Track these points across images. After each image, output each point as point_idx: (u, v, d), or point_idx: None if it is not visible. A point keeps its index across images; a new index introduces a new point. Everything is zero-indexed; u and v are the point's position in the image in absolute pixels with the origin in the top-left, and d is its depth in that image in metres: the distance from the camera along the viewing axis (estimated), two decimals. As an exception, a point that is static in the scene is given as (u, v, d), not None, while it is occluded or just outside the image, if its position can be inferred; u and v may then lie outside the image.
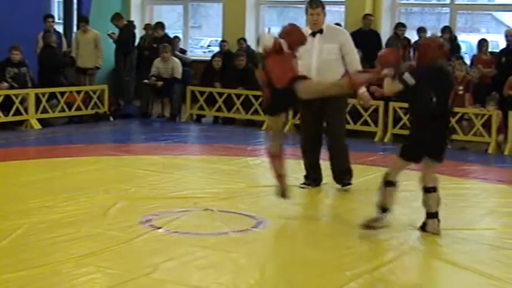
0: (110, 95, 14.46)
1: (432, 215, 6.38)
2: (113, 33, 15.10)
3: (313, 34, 7.88)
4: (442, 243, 6.24)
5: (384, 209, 6.37)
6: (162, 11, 19.39)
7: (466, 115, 11.81)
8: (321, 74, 7.61)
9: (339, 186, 8.13)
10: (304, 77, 6.59)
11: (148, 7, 18.36)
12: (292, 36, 6.69)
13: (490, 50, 13.41)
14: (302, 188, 8.13)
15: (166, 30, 15.82)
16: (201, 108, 14.37)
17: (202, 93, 14.27)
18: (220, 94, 14.08)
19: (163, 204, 7.30)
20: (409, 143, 6.41)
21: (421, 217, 6.48)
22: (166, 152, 10.48)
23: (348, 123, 12.28)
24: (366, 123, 12.58)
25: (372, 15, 14.88)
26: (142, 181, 8.40)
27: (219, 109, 14.16)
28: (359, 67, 7.89)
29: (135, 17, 17.20)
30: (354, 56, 7.97)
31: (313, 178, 8.23)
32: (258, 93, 13.69)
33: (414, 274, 5.74)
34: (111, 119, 14.17)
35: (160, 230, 6.38)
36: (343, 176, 8.14)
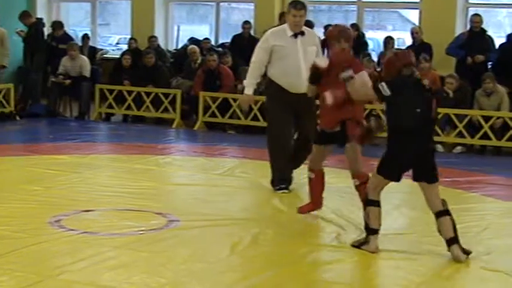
0: (16, 94, 14.14)
1: (450, 241, 5.81)
2: (22, 30, 14.79)
3: (295, 35, 7.78)
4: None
5: (369, 230, 5.98)
6: (69, 8, 19.07)
7: (374, 111, 11.99)
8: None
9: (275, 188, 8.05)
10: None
11: (55, 5, 18.05)
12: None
13: (396, 47, 13.67)
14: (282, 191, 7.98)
15: (74, 28, 15.60)
16: (110, 106, 14.20)
17: (111, 91, 14.10)
18: (130, 92, 13.94)
19: (73, 204, 7.18)
20: (387, 158, 5.89)
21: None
22: (75, 152, 10.31)
23: (258, 120, 12.38)
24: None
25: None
26: (50, 181, 8.24)
27: (129, 107, 14.02)
28: None
29: (41, 14, 16.86)
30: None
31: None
32: (168, 91, 13.67)
33: None
34: (18, 118, 13.86)
35: (69, 231, 6.27)
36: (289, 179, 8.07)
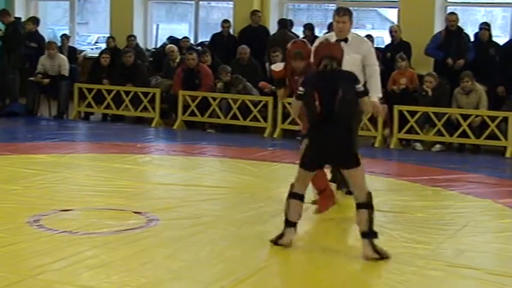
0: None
1: (363, 235, 5.79)
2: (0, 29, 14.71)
3: (338, 42, 7.46)
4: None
5: (287, 222, 5.97)
6: (48, 7, 18.97)
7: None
8: None
9: None
10: None
11: (33, 3, 17.96)
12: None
13: (375, 46, 13.71)
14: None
15: (53, 27, 15.52)
16: (89, 105, 14.14)
17: (90, 90, 14.04)
18: (109, 91, 13.89)
19: (52, 203, 7.15)
20: (305, 150, 6.00)
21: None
22: (54, 151, 10.26)
23: (238, 119, 12.37)
24: (255, 118, 12.64)
25: (260, 11, 14.99)
26: (29, 181, 8.20)
27: (108, 106, 13.97)
28: (378, 80, 7.81)
29: (19, 13, 16.78)
30: (375, 68, 7.82)
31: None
32: (147, 90, 13.63)
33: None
34: (-4, 117, 13.80)
35: (48, 230, 6.23)
36: None
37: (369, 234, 5.73)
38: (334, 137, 5.82)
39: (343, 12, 7.75)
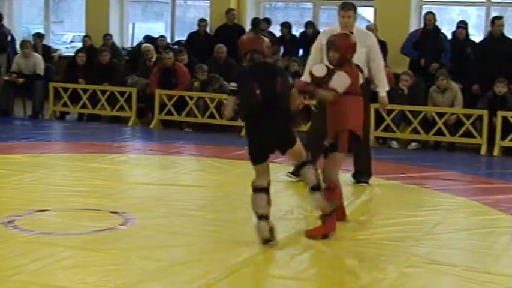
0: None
1: (313, 188, 6.04)
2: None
3: None
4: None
5: (258, 216, 5.96)
6: (22, 5, 18.85)
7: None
8: None
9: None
10: None
11: (6, 1, 17.81)
12: None
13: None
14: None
15: (27, 25, 15.42)
16: (64, 105, 14.06)
17: (65, 89, 13.97)
18: (85, 90, 13.83)
19: (27, 204, 7.09)
20: (248, 146, 6.06)
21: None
22: (29, 151, 10.19)
23: (215, 118, 12.36)
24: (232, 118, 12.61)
25: (235, 9, 14.99)
26: (3, 181, 8.13)
27: (84, 106, 13.91)
28: (383, 75, 7.93)
29: (-8, 11, 16.65)
30: (380, 63, 7.92)
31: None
32: (123, 89, 13.58)
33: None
34: (-30, 117, 13.69)
35: (23, 231, 6.19)
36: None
37: (318, 187, 6.04)
38: (277, 124, 5.91)
39: (348, 7, 7.83)
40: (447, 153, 11.47)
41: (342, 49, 6.40)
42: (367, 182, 8.48)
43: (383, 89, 8.11)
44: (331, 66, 6.42)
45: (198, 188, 8.22)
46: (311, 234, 6.21)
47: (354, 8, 7.90)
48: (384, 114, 11.51)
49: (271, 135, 5.95)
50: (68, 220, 6.61)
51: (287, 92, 5.99)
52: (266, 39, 6.10)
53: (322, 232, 6.19)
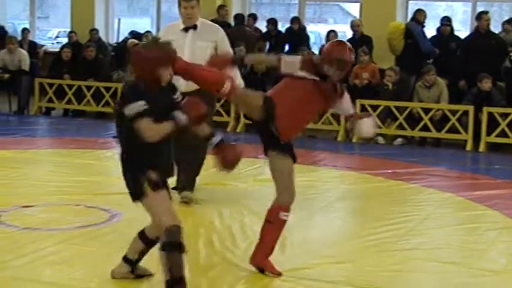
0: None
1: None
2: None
3: (186, 29, 6.99)
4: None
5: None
6: (7, 0, 18.75)
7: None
8: None
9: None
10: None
11: (-9, -3, 17.74)
12: None
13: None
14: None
15: (13, 21, 15.36)
16: (50, 100, 14.02)
17: (51, 85, 13.92)
18: (70, 86, 13.79)
19: (12, 200, 7.07)
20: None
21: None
22: (14, 146, 10.16)
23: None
24: (218, 113, 12.61)
25: (226, 5, 14.97)
26: (-11, 177, 8.12)
27: (69, 101, 13.86)
28: (237, 69, 6.85)
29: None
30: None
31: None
32: (109, 84, 13.54)
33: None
34: (-45, 113, 13.63)
35: (9, 227, 6.17)
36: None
37: (172, 282, 4.52)
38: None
39: None
40: (433, 149, 11.50)
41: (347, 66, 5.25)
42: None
43: None
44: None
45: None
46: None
47: None
48: (370, 110, 11.54)
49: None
50: (53, 216, 6.59)
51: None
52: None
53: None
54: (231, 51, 7.10)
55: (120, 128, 4.63)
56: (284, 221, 5.20)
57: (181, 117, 4.43)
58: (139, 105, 4.42)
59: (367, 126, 5.36)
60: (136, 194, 4.69)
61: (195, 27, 7.03)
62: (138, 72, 4.57)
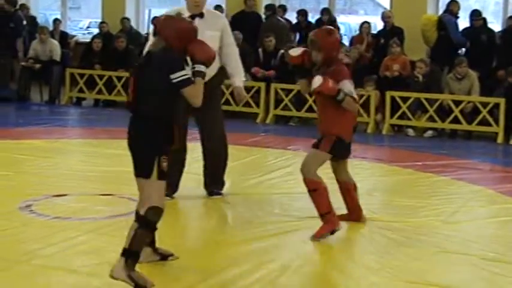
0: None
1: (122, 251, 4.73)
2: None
3: (192, 17, 6.56)
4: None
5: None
6: (39, -9, 18.89)
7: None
8: None
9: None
10: None
11: (24, -12, 17.82)
12: None
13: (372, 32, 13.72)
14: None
15: (44, 12, 15.44)
16: (81, 90, 14.10)
17: (82, 75, 14.00)
18: (101, 76, 13.85)
19: (43, 189, 7.13)
20: None
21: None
22: (46, 136, 10.23)
23: (230, 104, 12.31)
24: (247, 104, 12.61)
25: (254, -4, 14.93)
26: (21, 166, 8.18)
27: (100, 92, 13.93)
28: (238, 62, 6.93)
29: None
30: (234, 48, 6.96)
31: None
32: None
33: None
34: (-13, 103, 13.73)
35: (40, 216, 6.22)
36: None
37: (127, 252, 4.66)
38: (130, 135, 5.06)
39: None
40: (463, 141, 11.42)
41: (325, 48, 5.89)
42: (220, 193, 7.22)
43: (238, 78, 6.96)
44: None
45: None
46: (319, 235, 5.86)
47: None
48: (400, 102, 11.48)
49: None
50: (84, 205, 6.63)
51: (164, 92, 4.77)
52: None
53: (328, 230, 5.89)
54: (233, 40, 7.02)
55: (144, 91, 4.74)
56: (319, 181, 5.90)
57: (202, 70, 4.69)
58: (187, 71, 4.63)
59: (314, 81, 5.82)
60: (143, 171, 4.88)
61: (201, 15, 6.75)
62: (173, 40, 4.68)
